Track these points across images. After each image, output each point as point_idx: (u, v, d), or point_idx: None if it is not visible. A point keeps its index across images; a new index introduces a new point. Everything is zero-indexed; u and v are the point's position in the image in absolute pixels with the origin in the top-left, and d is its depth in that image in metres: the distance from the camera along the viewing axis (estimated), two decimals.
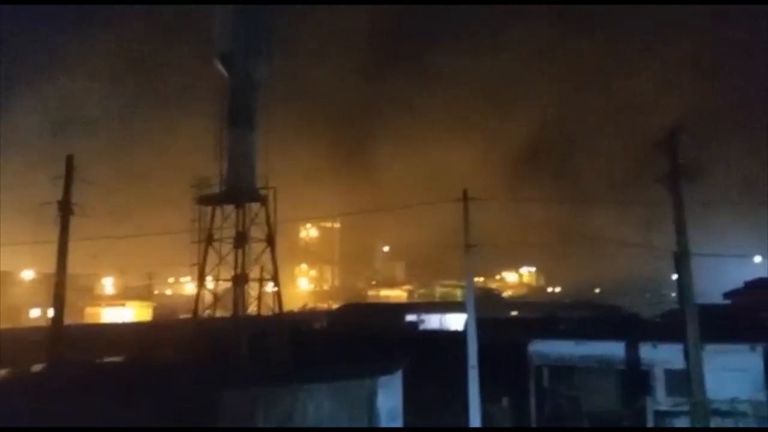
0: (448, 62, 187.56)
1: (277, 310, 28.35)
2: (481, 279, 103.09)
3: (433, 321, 45.92)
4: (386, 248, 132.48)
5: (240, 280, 27.47)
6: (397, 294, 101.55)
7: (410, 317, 45.91)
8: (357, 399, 17.88)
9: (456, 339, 22.02)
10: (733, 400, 20.15)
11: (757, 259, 39.70)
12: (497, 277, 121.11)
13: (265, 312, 28.50)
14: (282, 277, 29.60)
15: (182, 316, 50.49)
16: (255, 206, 28.42)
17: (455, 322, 42.00)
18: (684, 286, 18.07)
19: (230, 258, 27.68)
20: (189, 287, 68.25)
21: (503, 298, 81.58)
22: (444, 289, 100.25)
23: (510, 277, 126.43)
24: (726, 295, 36.76)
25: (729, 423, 20.05)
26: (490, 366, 19.93)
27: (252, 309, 28.33)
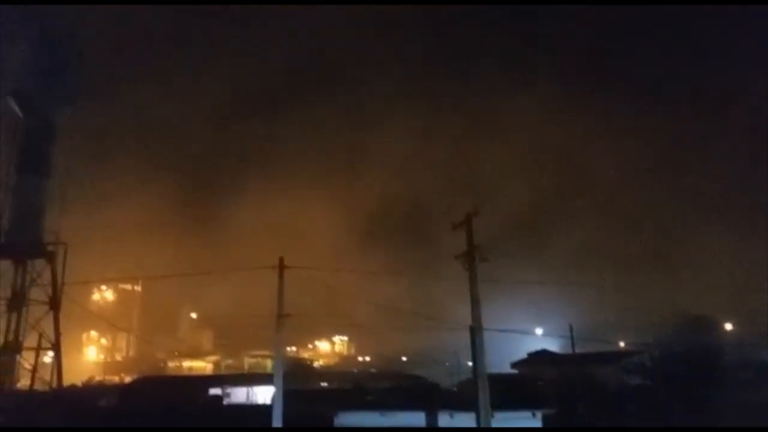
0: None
1: (55, 384, 25.03)
2: (293, 348, 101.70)
3: (240, 394, 43.92)
4: (194, 315, 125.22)
5: (11, 349, 23.99)
6: (202, 365, 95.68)
7: (215, 390, 43.43)
8: None
9: (263, 412, 21.41)
10: None
11: (539, 331, 44.58)
12: (309, 346, 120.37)
13: (41, 386, 25.00)
14: (66, 345, 26.47)
15: None
16: (39, 264, 25.40)
17: (264, 394, 40.65)
18: (476, 357, 19.57)
19: (2, 322, 24.19)
20: None
21: (314, 368, 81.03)
22: (253, 360, 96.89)
23: (322, 346, 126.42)
24: (512, 365, 40.57)
25: None
26: None
27: (23, 383, 24.73)
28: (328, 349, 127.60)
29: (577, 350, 35.36)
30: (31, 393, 24.50)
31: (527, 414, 23.80)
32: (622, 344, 44.74)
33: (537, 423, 23.89)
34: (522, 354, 41.06)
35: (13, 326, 24.29)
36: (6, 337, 24.13)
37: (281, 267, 20.02)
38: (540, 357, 39.64)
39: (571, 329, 34.52)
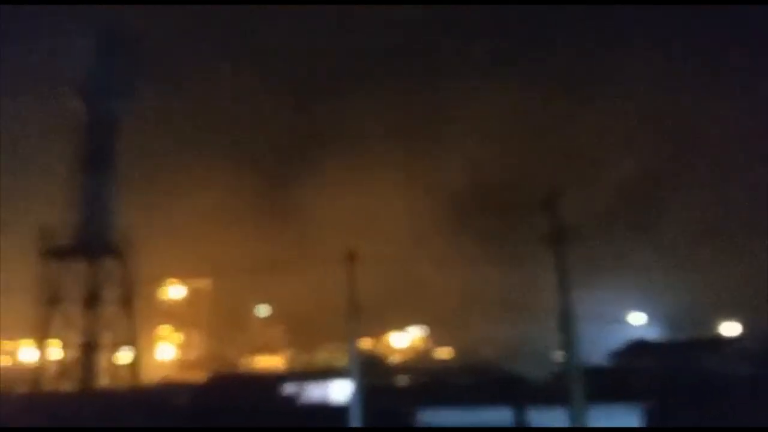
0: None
1: (132, 382, 26.45)
2: (367, 342, 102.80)
3: (314, 390, 44.95)
4: (264, 311, 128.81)
5: (90, 348, 25.49)
6: (274, 361, 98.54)
7: (289, 387, 44.66)
8: None
9: (339, 410, 21.83)
10: None
11: (636, 318, 43.19)
12: (384, 338, 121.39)
13: (119, 383, 26.49)
14: (141, 343, 27.86)
15: (20, 390, 45.84)
16: (111, 262, 26.79)
17: (338, 390, 41.39)
18: (568, 348, 19.12)
19: (79, 321, 25.71)
20: (29, 356, 62.24)
21: (390, 363, 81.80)
22: (326, 354, 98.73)
23: (398, 339, 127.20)
24: (609, 356, 39.48)
25: None
26: None
27: (104, 381, 26.28)
28: (404, 342, 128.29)
29: (680, 337, 34.10)
30: (110, 392, 26.00)
31: (626, 407, 23.04)
32: (731, 330, 42.89)
33: (636, 418, 23.09)
34: (619, 343, 39.93)
35: (89, 325, 25.79)
36: (85, 336, 25.65)
37: (351, 259, 20.19)
38: (639, 346, 38.43)
39: (673, 316, 33.28)
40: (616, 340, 40.20)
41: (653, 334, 48.90)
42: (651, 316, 47.71)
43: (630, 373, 31.47)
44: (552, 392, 26.22)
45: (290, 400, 41.47)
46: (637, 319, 44.71)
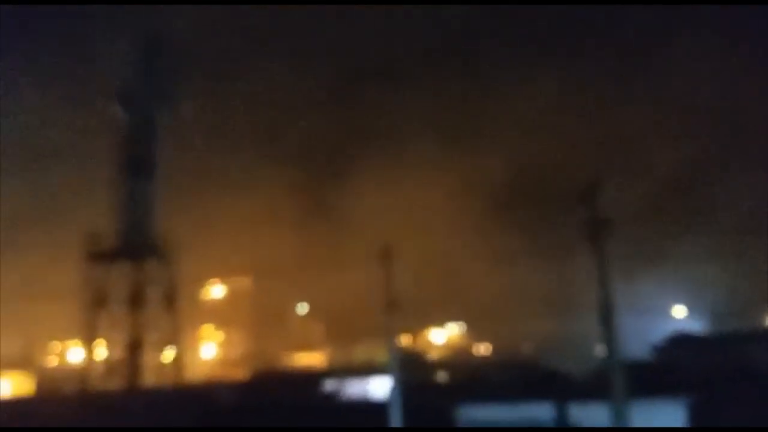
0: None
1: (177, 380, 26.93)
2: (406, 338, 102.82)
3: (354, 387, 45.17)
4: (303, 308, 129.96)
5: (135, 347, 26.05)
6: (314, 358, 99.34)
7: (329, 385, 44.98)
8: None
9: (380, 407, 21.82)
10: None
11: (679, 311, 42.20)
12: (424, 335, 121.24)
13: (163, 381, 27.00)
14: (184, 342, 28.35)
15: (68, 389, 47.12)
16: (154, 263, 27.32)
17: (378, 387, 41.49)
18: (609, 342, 18.73)
19: (125, 321, 26.26)
20: (76, 356, 63.90)
21: (429, 359, 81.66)
22: (365, 351, 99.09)
23: (437, 335, 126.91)
24: (651, 349, 38.64)
25: None
26: None
27: (149, 380, 26.81)
28: (443, 338, 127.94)
29: (725, 330, 33.14)
30: (155, 390, 26.50)
31: (669, 402, 22.42)
32: None
33: (679, 413, 22.46)
34: (661, 337, 39.04)
35: (134, 326, 26.33)
36: (130, 336, 26.21)
37: (387, 255, 20.16)
38: (682, 339, 37.53)
39: (717, 308, 32.39)
40: (659, 333, 39.34)
41: (696, 327, 47.72)
42: (694, 308, 46.53)
43: (673, 366, 30.73)
44: (593, 387, 25.74)
45: (331, 397, 41.77)
46: (680, 311, 43.66)
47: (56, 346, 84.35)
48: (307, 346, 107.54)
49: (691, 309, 49.86)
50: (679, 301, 49.65)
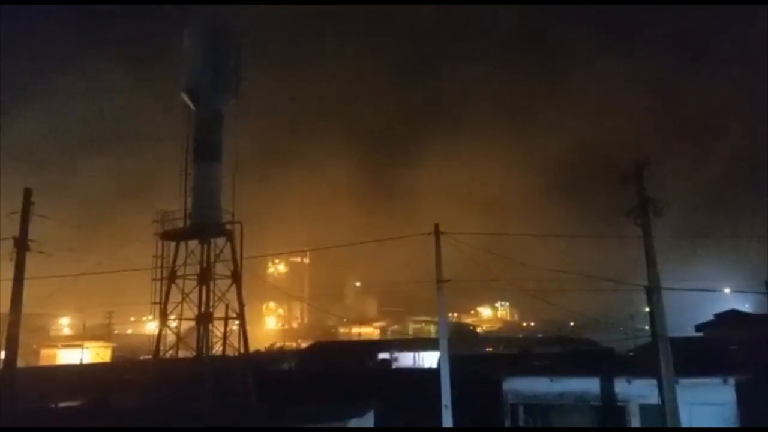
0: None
1: (242, 350, 27.94)
2: (455, 314, 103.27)
3: (406, 358, 45.81)
4: (358, 284, 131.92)
5: (204, 319, 27.12)
6: (369, 331, 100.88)
7: (383, 355, 45.73)
8: None
9: (430, 376, 22.13)
10: None
11: (727, 290, 40.86)
12: (472, 312, 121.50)
13: (230, 352, 28.07)
14: (249, 315, 29.30)
15: (143, 357, 49.38)
16: (220, 242, 28.26)
17: (429, 359, 41.98)
18: (656, 320, 18.52)
19: (194, 296, 27.33)
20: (150, 327, 66.79)
21: (478, 334, 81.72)
22: (417, 326, 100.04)
23: (485, 312, 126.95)
24: (698, 328, 37.64)
25: None
26: (465, 403, 20.09)
27: (216, 349, 27.90)
28: (490, 314, 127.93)
29: None
30: (223, 358, 27.56)
31: (717, 380, 21.88)
32: None
33: (729, 390, 21.94)
34: (708, 315, 37.92)
35: (204, 299, 27.37)
36: (198, 308, 27.26)
37: (437, 234, 20.39)
38: (729, 317, 36.39)
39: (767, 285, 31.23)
40: (708, 310, 38.28)
41: (746, 305, 46.16)
42: (745, 286, 44.97)
43: (721, 344, 29.91)
44: (640, 363, 25.43)
45: (385, 366, 42.43)
46: (730, 289, 42.28)
47: (135, 317, 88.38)
48: (363, 319, 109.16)
49: (741, 287, 48.25)
50: (729, 279, 48.09)
